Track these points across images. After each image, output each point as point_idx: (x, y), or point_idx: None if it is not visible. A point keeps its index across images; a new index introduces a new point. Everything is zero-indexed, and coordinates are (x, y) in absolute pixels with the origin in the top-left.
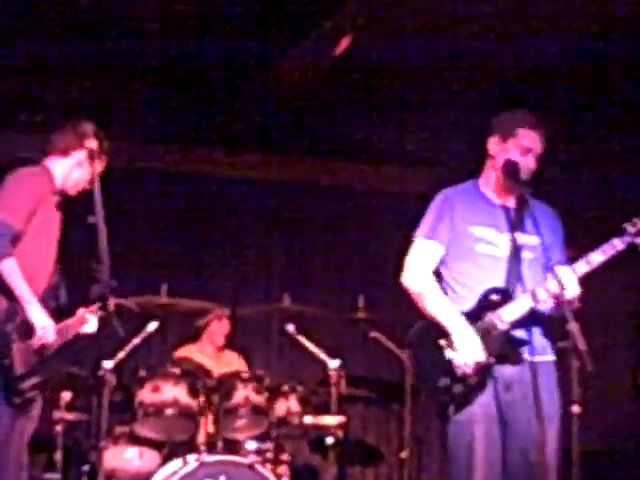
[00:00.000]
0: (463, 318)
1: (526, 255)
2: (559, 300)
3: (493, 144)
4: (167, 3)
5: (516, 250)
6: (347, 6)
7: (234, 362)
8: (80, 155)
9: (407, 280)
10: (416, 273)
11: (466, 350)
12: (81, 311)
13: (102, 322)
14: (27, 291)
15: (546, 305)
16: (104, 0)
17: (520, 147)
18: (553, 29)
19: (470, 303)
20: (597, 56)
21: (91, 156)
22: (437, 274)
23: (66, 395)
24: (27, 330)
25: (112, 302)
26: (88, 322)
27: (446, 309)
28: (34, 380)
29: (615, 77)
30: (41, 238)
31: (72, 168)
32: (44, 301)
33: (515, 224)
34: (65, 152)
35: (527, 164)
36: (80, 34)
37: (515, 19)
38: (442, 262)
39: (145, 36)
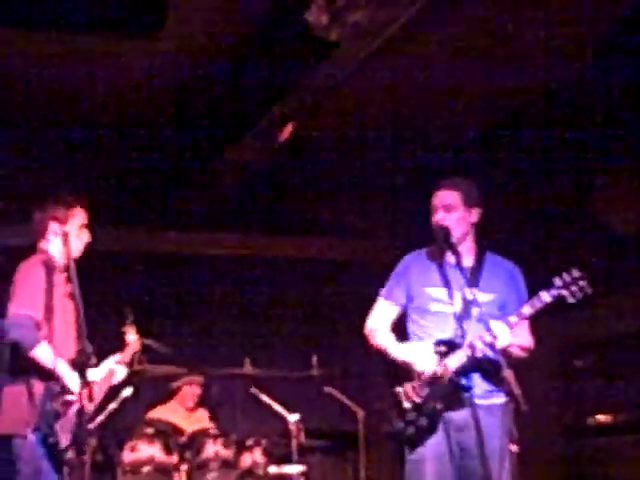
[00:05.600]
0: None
1: (475, 311)
2: (493, 348)
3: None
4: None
5: (466, 307)
6: (289, 99)
7: (204, 419)
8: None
9: (368, 333)
10: (375, 327)
11: (423, 359)
12: (107, 362)
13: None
14: (63, 365)
15: (485, 353)
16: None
17: (433, 209)
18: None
19: None
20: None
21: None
22: (404, 326)
23: None
24: (65, 403)
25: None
26: (117, 372)
27: (393, 342)
28: (76, 447)
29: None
30: (58, 313)
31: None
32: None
33: (470, 282)
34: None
35: (441, 221)
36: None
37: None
38: (407, 315)
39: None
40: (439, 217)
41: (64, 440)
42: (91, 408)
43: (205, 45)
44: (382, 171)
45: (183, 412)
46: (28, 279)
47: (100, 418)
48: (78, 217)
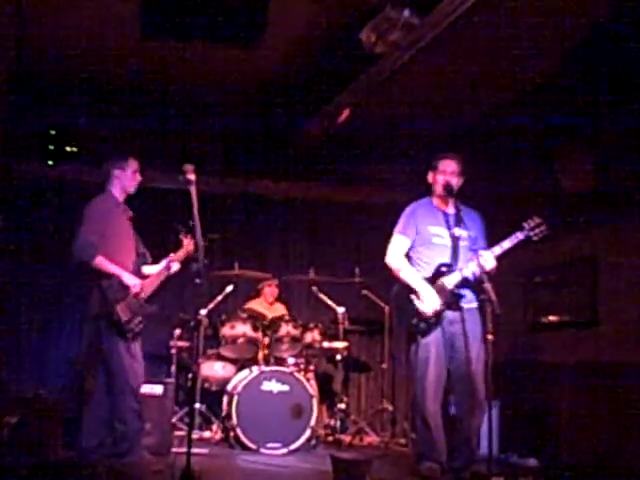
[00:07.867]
0: (425, 282)
1: (462, 243)
2: (483, 270)
3: (429, 176)
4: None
5: (455, 240)
6: (345, 93)
7: (281, 310)
8: (121, 173)
9: (389, 260)
10: (394, 256)
11: (429, 302)
12: (164, 260)
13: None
14: (115, 268)
15: (475, 273)
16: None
17: (441, 172)
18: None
19: (428, 273)
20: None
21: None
22: (408, 256)
23: (177, 331)
24: (126, 291)
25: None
26: (172, 267)
27: (415, 277)
28: (137, 319)
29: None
30: (117, 236)
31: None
32: (134, 272)
33: (454, 223)
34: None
35: (450, 181)
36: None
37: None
38: (411, 249)
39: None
40: (448, 178)
41: (124, 316)
42: (146, 293)
43: (291, 54)
44: (407, 142)
45: (266, 304)
46: (89, 213)
47: (210, 306)
48: (132, 165)
